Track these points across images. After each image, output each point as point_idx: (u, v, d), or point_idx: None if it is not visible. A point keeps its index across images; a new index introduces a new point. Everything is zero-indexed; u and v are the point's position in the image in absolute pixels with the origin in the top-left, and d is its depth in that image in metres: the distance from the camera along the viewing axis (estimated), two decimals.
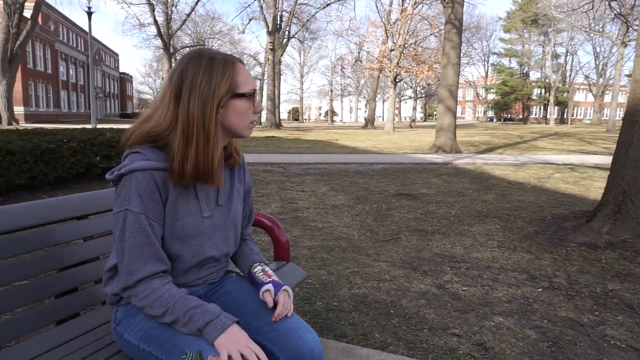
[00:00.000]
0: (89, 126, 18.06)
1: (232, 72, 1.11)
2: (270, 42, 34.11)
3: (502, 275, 3.33)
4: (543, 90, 55.57)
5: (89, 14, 14.61)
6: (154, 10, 24.63)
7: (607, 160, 12.24)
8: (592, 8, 14.45)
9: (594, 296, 2.97)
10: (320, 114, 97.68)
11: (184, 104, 1.08)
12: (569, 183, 8.23)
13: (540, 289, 3.08)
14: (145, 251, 1.09)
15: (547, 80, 51.23)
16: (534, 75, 57.75)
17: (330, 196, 6.47)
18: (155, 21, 25.16)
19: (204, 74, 1.08)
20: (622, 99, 45.80)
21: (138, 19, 25.73)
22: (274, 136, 23.05)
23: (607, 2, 11.70)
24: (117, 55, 66.93)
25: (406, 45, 30.20)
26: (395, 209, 5.61)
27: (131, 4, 24.43)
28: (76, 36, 49.75)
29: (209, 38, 50.41)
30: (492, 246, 4.06)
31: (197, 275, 1.25)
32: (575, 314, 2.70)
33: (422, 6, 28.81)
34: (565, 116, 49.69)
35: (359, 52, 39.62)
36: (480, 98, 66.33)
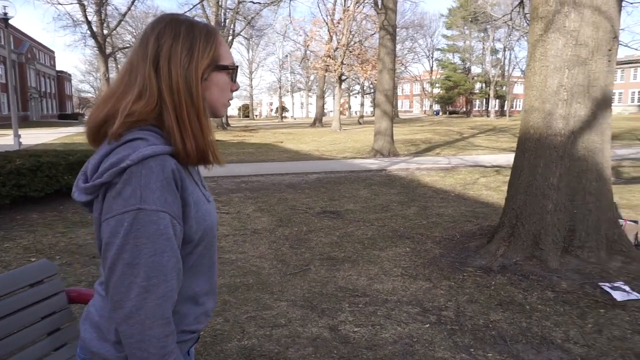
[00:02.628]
0: (9, 135, 16.77)
1: (215, 41, 0.98)
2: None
3: (396, 311, 3.46)
4: (484, 85, 57.84)
5: (5, 20, 13.60)
6: (85, 10, 23.43)
7: None
8: (522, 7, 15.14)
9: (475, 329, 3.15)
10: (271, 110, 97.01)
11: (163, 75, 0.91)
12: (491, 189, 8.65)
13: (428, 325, 3.23)
14: (171, 266, 0.86)
15: (487, 74, 53.36)
16: (476, 70, 60.02)
17: (254, 218, 6.45)
18: (88, 21, 23.93)
19: (184, 40, 0.93)
20: None
21: (71, 16, 24.34)
22: (217, 140, 22.61)
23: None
24: (52, 52, 63.29)
25: (350, 44, 30.50)
26: (314, 232, 5.69)
27: (58, 3, 23.05)
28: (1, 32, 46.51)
29: None
30: (395, 274, 4.21)
31: (204, 309, 1.05)
32: (451, 353, 2.85)
33: (364, 6, 29.17)
34: (507, 108, 52.04)
35: (305, 51, 39.63)
36: (426, 92, 68.23)
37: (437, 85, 63.04)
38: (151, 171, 0.83)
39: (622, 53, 64.52)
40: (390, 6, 13.65)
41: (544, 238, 4.19)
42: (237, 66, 1.03)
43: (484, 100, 61.31)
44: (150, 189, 0.83)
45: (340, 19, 30.91)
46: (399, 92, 74.70)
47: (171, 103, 0.90)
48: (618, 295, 3.55)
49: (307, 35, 34.99)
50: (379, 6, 13.80)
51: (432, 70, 65.33)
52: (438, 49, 63.31)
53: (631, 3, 8.59)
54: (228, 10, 36.23)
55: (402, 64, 50.70)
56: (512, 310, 3.42)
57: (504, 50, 54.41)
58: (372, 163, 12.81)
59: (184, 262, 0.94)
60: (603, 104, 4.16)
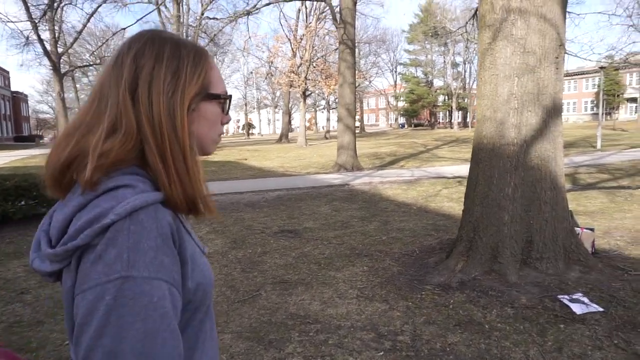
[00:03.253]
0: None
1: (205, 65, 0.80)
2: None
3: (349, 338, 3.21)
4: (446, 97, 59.27)
5: None
6: (37, 28, 22.53)
7: None
8: (476, 20, 15.60)
9: (432, 354, 2.93)
10: (238, 127, 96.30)
11: (143, 103, 0.72)
12: (453, 200, 8.59)
13: (382, 352, 2.99)
14: (167, 352, 0.64)
15: (449, 87, 54.72)
16: (438, 83, 61.48)
17: (207, 241, 6.11)
18: (40, 39, 23.04)
19: (169, 62, 0.75)
20: None
21: (23, 34, 23.35)
22: None
23: None
24: (7, 72, 60.88)
25: (313, 59, 30.62)
26: (269, 253, 5.40)
27: (9, 20, 22.06)
28: None
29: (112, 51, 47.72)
30: (351, 297, 3.97)
31: None
32: None
33: (325, 22, 29.41)
34: (470, 120, 53.41)
35: (269, 67, 39.57)
36: (392, 106, 69.31)
37: (401, 98, 64.19)
38: (142, 227, 0.65)
39: (574, 64, 67.53)
40: (349, 21, 13.68)
41: (502, 251, 4.06)
42: (231, 95, 0.85)
43: (447, 112, 62.77)
44: (141, 250, 0.64)
45: (303, 34, 31.04)
46: (365, 106, 75.72)
47: (153, 138, 0.72)
48: (577, 308, 3.43)
49: (270, 52, 34.96)
50: (338, 21, 13.81)
51: (396, 84, 66.51)
52: (401, 64, 64.64)
53: (578, 14, 8.84)
54: (190, 27, 35.86)
55: (366, 79, 51.39)
56: (471, 330, 3.23)
57: (464, 64, 56.10)
58: (335, 178, 12.65)
59: (182, 335, 0.72)
60: (553, 111, 4.10)
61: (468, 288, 3.89)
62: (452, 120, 54.03)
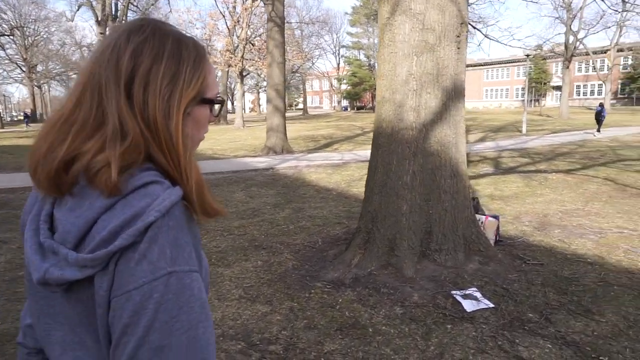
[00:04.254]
0: None
1: (205, 68, 0.74)
2: (101, 33, 30.46)
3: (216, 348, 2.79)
4: None
5: None
6: None
7: None
8: None
9: None
10: None
11: (137, 104, 0.67)
12: None
13: None
14: (207, 340, 0.64)
15: None
16: None
17: None
18: None
19: (168, 63, 0.69)
20: None
21: None
22: None
23: None
24: None
25: (250, 38, 29.53)
26: None
27: None
28: None
29: (32, 22, 43.90)
30: (232, 298, 3.55)
31: None
32: None
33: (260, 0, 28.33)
34: None
35: (206, 45, 37.81)
36: (335, 88, 69.17)
37: (344, 81, 64.12)
38: (178, 222, 0.65)
39: (507, 53, 70.59)
40: None
41: (399, 243, 3.79)
42: (224, 100, 0.82)
43: None
44: (180, 246, 0.64)
45: (240, 13, 29.81)
46: (308, 89, 75.09)
47: (153, 139, 0.68)
48: (468, 305, 3.21)
49: (206, 29, 33.36)
50: None
51: (339, 66, 66.29)
52: (344, 46, 64.39)
53: (503, 3, 8.83)
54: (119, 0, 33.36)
55: (309, 60, 50.69)
56: (352, 335, 2.92)
57: None
58: (262, 162, 12.14)
59: None
60: (454, 94, 3.84)
61: (361, 285, 3.59)
62: None
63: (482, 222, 4.42)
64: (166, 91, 0.69)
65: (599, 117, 18.39)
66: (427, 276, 3.66)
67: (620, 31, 34.52)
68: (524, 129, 19.95)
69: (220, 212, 0.77)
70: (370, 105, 64.00)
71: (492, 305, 3.21)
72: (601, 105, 18.78)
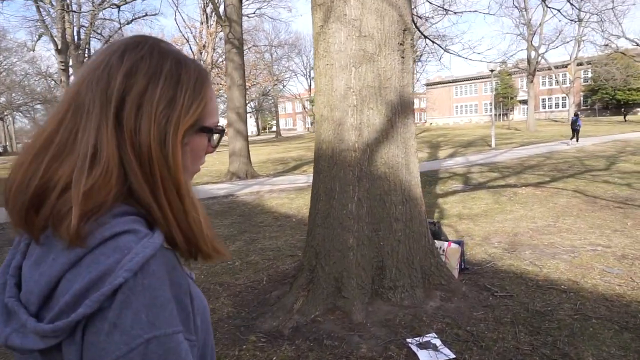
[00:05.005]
0: None
1: (206, 94, 0.66)
2: (62, 62, 29.54)
3: None
4: None
5: None
6: None
7: None
8: None
9: None
10: None
11: (128, 128, 0.59)
12: None
13: None
14: None
15: None
16: None
17: None
18: None
19: (166, 85, 0.62)
20: (416, 105, 51.83)
21: None
22: None
23: None
24: None
25: (216, 63, 29.18)
26: None
27: None
28: None
29: None
30: None
31: None
32: None
33: None
34: None
35: None
36: (307, 110, 69.27)
37: None
38: (156, 278, 0.55)
39: (474, 70, 72.30)
40: (234, 18, 12.65)
41: (347, 282, 3.26)
42: (224, 129, 0.75)
43: None
44: (159, 306, 0.54)
45: (206, 39, 29.52)
46: (282, 111, 75.05)
47: (140, 171, 0.59)
48: (425, 357, 2.69)
49: None
50: (223, 18, 12.72)
51: (310, 88, 66.53)
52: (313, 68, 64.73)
53: (455, 12, 8.68)
54: (82, 27, 32.56)
55: (281, 82, 50.61)
56: None
57: None
58: (223, 188, 11.53)
59: None
60: (401, 109, 3.40)
61: (301, 336, 3.03)
62: None
63: (443, 250, 3.94)
64: (162, 116, 0.61)
65: (575, 126, 18.82)
66: (379, 320, 3.13)
67: (579, 46, 35.60)
68: (493, 143, 19.95)
69: (221, 253, 0.68)
70: None
71: (452, 355, 2.70)
72: (576, 114, 19.24)
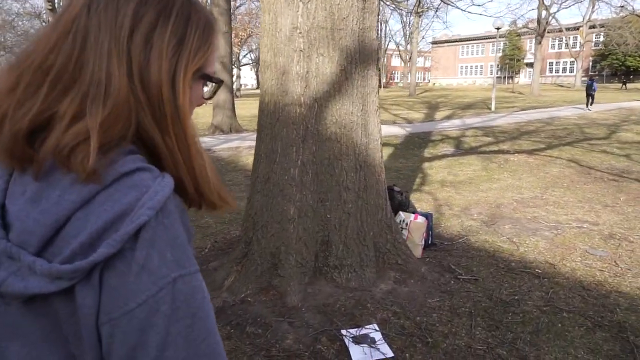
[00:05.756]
0: None
1: (212, 42, 0.62)
2: (49, 2, 28.13)
3: None
4: None
5: None
6: None
7: None
8: None
9: None
10: None
11: (136, 62, 0.53)
12: None
13: None
14: (223, 349, 0.55)
15: None
16: None
17: None
18: None
19: (176, 24, 0.57)
20: (421, 63, 50.53)
21: None
22: None
23: None
24: None
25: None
26: None
27: None
28: None
29: None
30: None
31: None
32: None
33: None
34: (381, 80, 53.30)
35: None
36: None
37: None
38: (174, 219, 0.52)
39: (482, 29, 69.72)
40: None
41: (284, 258, 2.82)
42: (222, 81, 0.69)
43: None
44: (180, 245, 0.52)
45: None
46: None
47: (149, 109, 0.54)
48: (357, 355, 2.28)
49: None
50: None
51: None
52: None
53: None
54: None
55: None
56: None
57: (380, 24, 55.33)
58: (202, 142, 10.95)
59: None
60: (360, 57, 2.83)
61: (224, 319, 2.61)
62: None
63: (406, 224, 3.49)
64: (172, 54, 0.56)
65: (590, 91, 18.17)
66: (317, 305, 2.70)
67: (593, 6, 33.92)
68: (493, 106, 19.21)
69: (227, 202, 0.62)
70: None
71: (390, 354, 2.28)
72: (592, 79, 18.56)
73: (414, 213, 3.78)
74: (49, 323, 0.52)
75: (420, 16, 33.76)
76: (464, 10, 20.59)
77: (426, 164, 8.10)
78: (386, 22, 56.50)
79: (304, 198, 2.82)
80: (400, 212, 3.66)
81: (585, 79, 44.32)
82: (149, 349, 0.48)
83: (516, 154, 8.78)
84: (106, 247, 0.47)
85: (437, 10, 22.36)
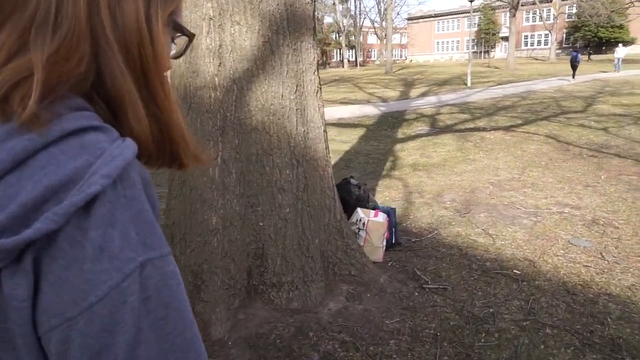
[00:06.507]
0: None
1: None
2: None
3: None
4: (337, 35, 57.41)
5: None
6: None
7: (352, 111, 11.64)
8: None
9: None
10: None
11: None
12: None
13: None
14: (199, 339, 0.45)
15: (338, 24, 52.74)
16: (328, 20, 59.11)
17: None
18: None
19: None
20: (397, 40, 49.93)
21: None
22: None
23: None
24: None
25: None
26: None
27: None
28: None
29: None
30: None
31: None
32: None
33: None
34: (357, 59, 52.41)
35: None
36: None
37: None
38: (137, 190, 0.42)
39: (457, 4, 69.04)
40: None
41: (208, 279, 2.27)
42: (194, 34, 0.57)
43: (338, 50, 61.31)
44: (146, 221, 0.42)
45: None
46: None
47: (122, 50, 0.44)
48: None
49: None
50: None
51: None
52: None
53: None
54: None
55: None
56: None
57: (354, 0, 54.34)
58: None
59: None
60: (288, 25, 2.25)
61: None
62: (343, 60, 52.72)
63: (363, 224, 2.97)
64: None
65: (574, 62, 18.40)
66: (249, 335, 2.18)
67: None
68: (469, 82, 18.80)
69: (200, 159, 0.53)
70: (321, 61, 61.59)
71: None
72: (575, 50, 18.86)
73: (374, 209, 3.27)
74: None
75: None
76: None
77: (398, 146, 7.62)
78: None
79: (228, 204, 2.27)
80: (358, 210, 3.14)
81: (559, 51, 44.34)
82: (118, 350, 0.39)
83: (492, 131, 8.37)
84: (44, 222, 0.36)
85: None
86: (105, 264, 0.38)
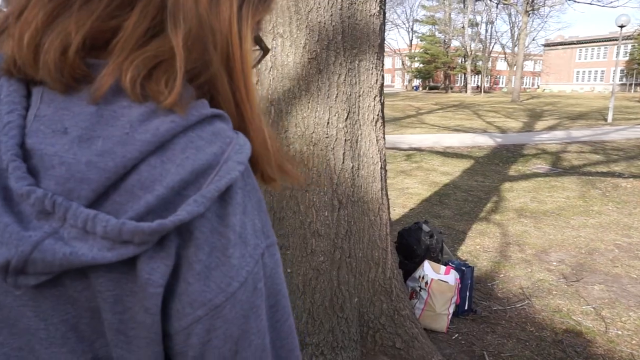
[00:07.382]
0: None
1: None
2: None
3: None
4: (463, 59, 55.32)
5: None
6: None
7: (463, 140, 10.80)
8: None
9: None
10: None
11: None
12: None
13: None
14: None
15: (465, 48, 50.79)
16: (455, 44, 57.33)
17: None
18: None
19: None
20: (530, 67, 46.46)
21: None
22: None
23: None
24: None
25: None
26: None
27: None
28: None
29: None
30: None
31: None
32: None
33: None
34: (482, 84, 49.76)
35: None
36: (406, 66, 65.54)
37: (415, 59, 60.33)
38: (253, 177, 0.43)
39: (606, 29, 62.00)
40: None
41: None
42: (269, 50, 0.57)
43: (462, 75, 59.03)
44: (265, 210, 0.44)
45: None
46: None
47: (220, 47, 0.42)
48: None
49: None
50: None
51: (411, 43, 62.50)
52: (417, 20, 60.32)
53: None
54: None
55: None
56: None
57: (485, 24, 51.98)
58: None
59: None
60: (343, 39, 1.88)
61: None
62: (466, 85, 50.52)
63: (426, 283, 2.44)
64: None
65: None
66: None
67: None
68: (610, 117, 16.41)
69: (288, 173, 0.51)
70: (443, 85, 59.74)
71: None
72: None
73: (446, 264, 2.70)
74: (76, 314, 0.39)
75: (529, 15, 30.64)
76: (590, 3, 17.59)
77: (507, 185, 6.70)
78: (492, 22, 52.77)
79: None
80: (425, 263, 2.61)
81: None
82: (251, 336, 0.41)
83: (630, 179, 6.98)
84: (193, 204, 0.36)
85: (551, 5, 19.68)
86: (243, 249, 0.38)
